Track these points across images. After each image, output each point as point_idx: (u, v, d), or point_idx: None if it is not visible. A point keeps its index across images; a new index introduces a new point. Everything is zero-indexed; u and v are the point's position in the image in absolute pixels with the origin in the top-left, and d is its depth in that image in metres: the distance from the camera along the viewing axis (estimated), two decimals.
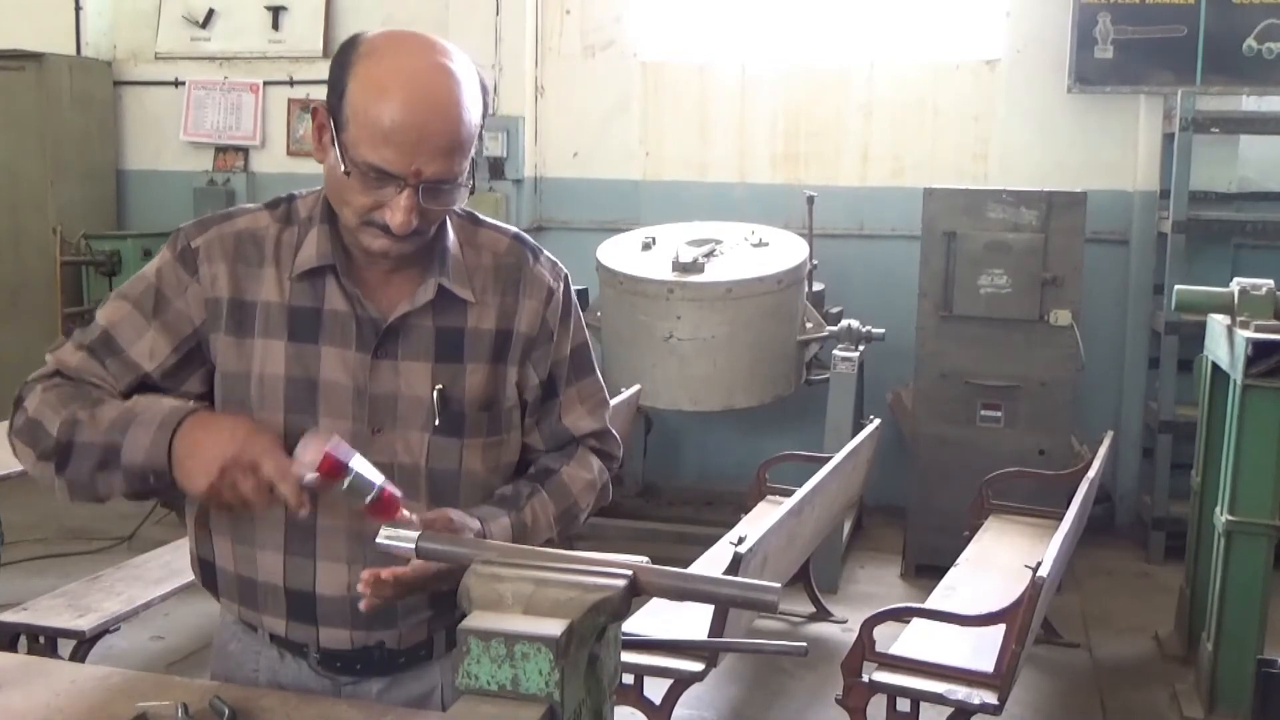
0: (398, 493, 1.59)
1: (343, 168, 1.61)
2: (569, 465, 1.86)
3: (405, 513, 1.59)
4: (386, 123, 1.58)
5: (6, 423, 1.74)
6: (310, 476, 1.57)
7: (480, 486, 1.80)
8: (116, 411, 1.67)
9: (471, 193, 1.70)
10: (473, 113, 1.64)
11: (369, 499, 1.57)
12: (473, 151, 1.66)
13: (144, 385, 1.73)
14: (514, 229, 1.88)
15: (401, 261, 1.72)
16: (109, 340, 1.73)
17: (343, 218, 1.69)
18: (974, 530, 4.84)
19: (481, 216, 1.85)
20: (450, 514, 1.66)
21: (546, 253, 1.87)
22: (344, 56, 1.65)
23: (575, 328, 1.88)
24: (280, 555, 1.75)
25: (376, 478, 1.58)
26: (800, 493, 4.10)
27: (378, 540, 1.56)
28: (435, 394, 1.73)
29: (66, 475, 1.67)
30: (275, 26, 7.52)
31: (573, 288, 1.90)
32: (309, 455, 1.56)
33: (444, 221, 1.76)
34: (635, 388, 5.61)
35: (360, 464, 1.58)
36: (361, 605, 1.62)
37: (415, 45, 1.64)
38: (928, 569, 5.40)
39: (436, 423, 1.74)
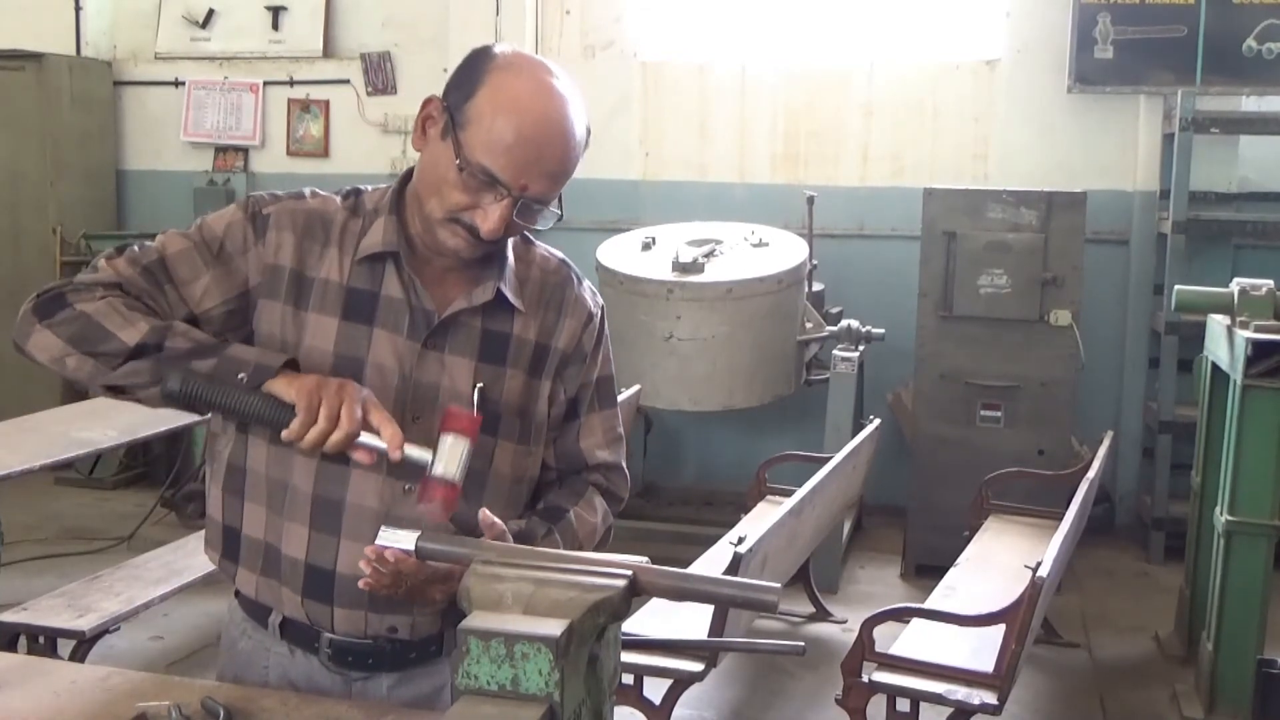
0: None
1: (457, 162, 1.67)
2: (578, 507, 1.88)
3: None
4: (511, 136, 1.65)
5: (31, 302, 1.72)
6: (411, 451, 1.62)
7: (504, 491, 1.82)
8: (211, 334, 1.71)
9: (560, 219, 1.77)
10: (580, 151, 1.74)
11: (456, 480, 1.61)
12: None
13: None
14: (562, 254, 1.95)
15: (461, 262, 1.78)
16: (165, 268, 1.75)
17: (428, 208, 1.73)
18: (974, 530, 4.84)
19: (534, 238, 1.92)
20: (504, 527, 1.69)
21: (589, 282, 1.95)
22: (479, 62, 1.72)
23: (605, 358, 1.94)
24: (305, 529, 1.77)
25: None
26: (800, 493, 4.10)
27: (378, 541, 1.57)
28: (476, 391, 1.78)
29: (153, 360, 1.65)
30: (275, 26, 7.52)
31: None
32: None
33: None
34: (635, 388, 5.61)
35: None
36: (360, 582, 1.65)
37: (547, 73, 1.72)
38: (928, 569, 5.40)
39: None
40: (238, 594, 1.90)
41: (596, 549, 1.92)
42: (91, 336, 1.66)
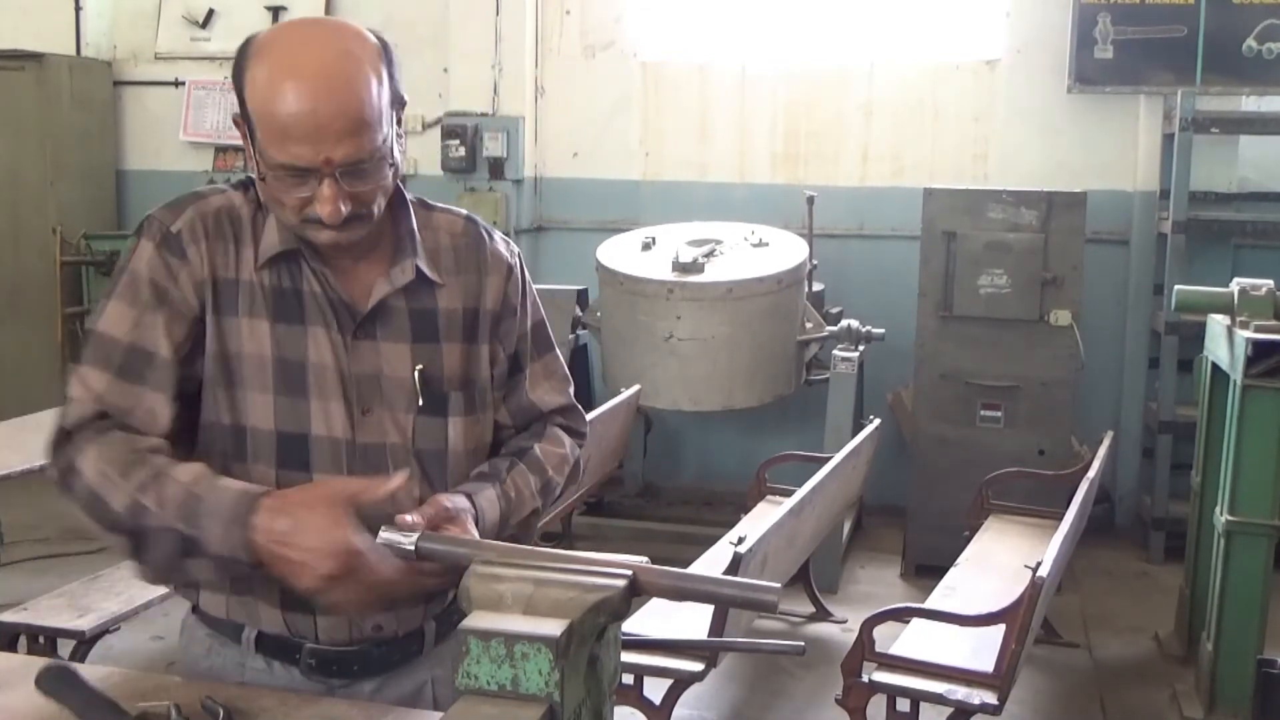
0: None
1: (258, 174, 1.61)
2: (541, 442, 1.88)
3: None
4: (282, 119, 1.55)
5: (53, 467, 1.64)
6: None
7: (461, 465, 1.81)
8: (179, 491, 1.58)
9: (393, 165, 1.65)
10: (372, 86, 1.59)
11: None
12: (389, 123, 1.63)
13: (183, 389, 1.68)
14: (465, 211, 1.89)
15: (366, 246, 1.72)
16: (134, 354, 1.66)
17: (284, 219, 1.67)
18: (974, 530, 4.84)
19: (431, 201, 1.86)
20: (443, 501, 1.66)
21: (499, 233, 1.90)
22: (238, 63, 1.62)
23: (533, 304, 1.90)
24: None
25: None
26: (800, 493, 4.10)
27: (378, 541, 1.57)
28: (416, 374, 1.75)
29: (149, 561, 1.61)
30: None
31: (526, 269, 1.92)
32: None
33: (404, 204, 1.77)
34: (635, 388, 5.61)
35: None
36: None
37: (298, 35, 1.62)
38: (928, 569, 5.39)
39: (420, 403, 1.75)
40: (196, 610, 1.82)
41: (569, 475, 1.91)
42: (102, 511, 1.60)
